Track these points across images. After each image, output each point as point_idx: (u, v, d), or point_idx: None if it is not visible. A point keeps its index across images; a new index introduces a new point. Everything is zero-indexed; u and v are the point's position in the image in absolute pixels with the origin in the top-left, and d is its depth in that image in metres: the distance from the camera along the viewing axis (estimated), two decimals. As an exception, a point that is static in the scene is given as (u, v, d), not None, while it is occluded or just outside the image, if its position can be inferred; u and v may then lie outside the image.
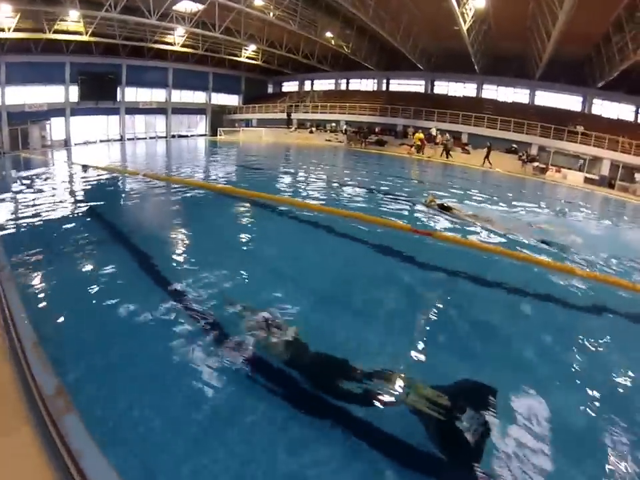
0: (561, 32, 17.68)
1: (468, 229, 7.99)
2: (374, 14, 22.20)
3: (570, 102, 27.37)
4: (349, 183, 13.36)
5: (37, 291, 4.43)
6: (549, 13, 17.46)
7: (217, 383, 3.09)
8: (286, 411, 2.86)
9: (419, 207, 9.53)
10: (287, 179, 14.07)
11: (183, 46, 28.76)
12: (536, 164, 23.03)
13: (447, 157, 23.37)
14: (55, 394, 2.35)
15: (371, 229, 7.39)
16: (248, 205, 9.39)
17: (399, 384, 2.99)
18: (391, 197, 10.92)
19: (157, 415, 2.80)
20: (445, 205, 9.09)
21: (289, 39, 28.84)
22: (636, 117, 25.23)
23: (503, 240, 7.44)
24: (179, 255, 6.04)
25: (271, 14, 22.77)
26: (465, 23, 18.99)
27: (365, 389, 2.92)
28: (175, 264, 5.48)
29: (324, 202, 9.81)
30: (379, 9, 22.03)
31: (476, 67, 27.21)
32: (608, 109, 26.16)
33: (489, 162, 22.05)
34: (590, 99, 26.75)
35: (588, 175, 22.19)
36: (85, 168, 14.64)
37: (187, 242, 6.72)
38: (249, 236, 7.10)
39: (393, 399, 2.89)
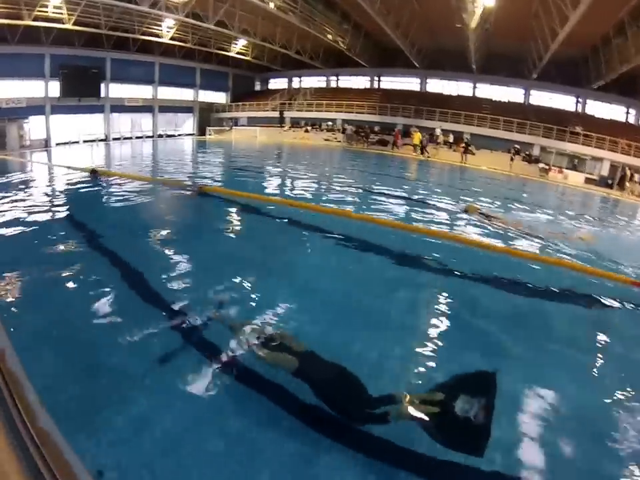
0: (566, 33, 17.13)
1: (513, 237, 7.66)
2: (379, 7, 20.69)
3: (564, 102, 27.11)
4: (377, 189, 12.08)
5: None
6: (556, 13, 16.75)
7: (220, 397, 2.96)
8: (287, 421, 2.78)
9: (458, 213, 9.03)
10: (311, 186, 12.64)
11: (171, 38, 26.06)
12: (541, 165, 22.67)
13: (465, 158, 22.58)
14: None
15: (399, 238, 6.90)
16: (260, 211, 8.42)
17: (397, 401, 2.76)
18: (425, 204, 10.29)
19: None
20: (487, 212, 8.78)
21: (282, 34, 26.99)
22: (627, 118, 25.37)
23: (550, 249, 7.14)
24: (177, 267, 5.28)
25: (272, 4, 20.75)
26: (472, 21, 17.92)
27: (369, 408, 2.79)
28: (171, 278, 4.84)
29: (363, 211, 8.91)
30: (381, 3, 20.58)
31: (473, 66, 26.52)
32: (600, 109, 26.10)
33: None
34: (584, 99, 26.61)
35: (588, 176, 22.00)
36: (95, 174, 12.31)
37: (183, 252, 5.85)
38: (249, 243, 6.57)
39: (392, 414, 2.68)
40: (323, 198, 10.41)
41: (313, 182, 13.20)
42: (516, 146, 23.42)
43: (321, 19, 24.21)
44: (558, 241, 7.57)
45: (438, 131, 24.97)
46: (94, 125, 26.53)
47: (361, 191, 11.63)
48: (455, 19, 19.40)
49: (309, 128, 29.85)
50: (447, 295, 4.86)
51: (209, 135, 31.31)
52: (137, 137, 29.48)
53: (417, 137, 23.47)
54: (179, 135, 32.37)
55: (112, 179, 11.88)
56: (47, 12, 20.14)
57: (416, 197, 11.21)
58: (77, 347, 3.44)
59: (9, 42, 20.46)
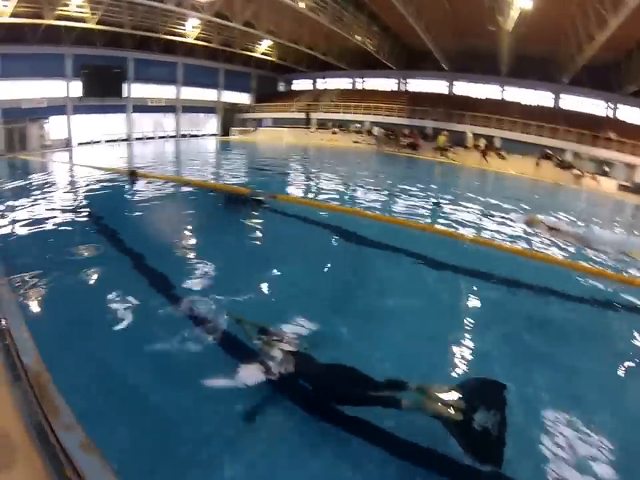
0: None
1: (577, 250, 7.21)
2: (412, 9, 19.26)
3: (594, 107, 25.33)
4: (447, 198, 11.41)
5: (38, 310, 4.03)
6: (594, 17, 15.63)
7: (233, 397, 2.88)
8: (299, 417, 2.79)
9: (519, 225, 8.48)
10: (356, 192, 11.76)
11: (195, 38, 25.19)
12: (575, 171, 20.89)
13: (486, 161, 21.52)
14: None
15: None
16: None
17: (410, 390, 2.75)
18: (484, 213, 9.81)
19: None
20: (551, 224, 8.34)
21: (309, 35, 25.96)
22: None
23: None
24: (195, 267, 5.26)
25: (302, 4, 19.51)
26: (507, 24, 16.70)
27: (379, 397, 2.79)
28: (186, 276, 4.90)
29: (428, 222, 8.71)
30: (413, 4, 19.20)
31: (502, 68, 25.22)
32: (632, 114, 23.92)
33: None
34: (614, 104, 24.73)
35: (622, 183, 20.05)
36: (134, 176, 11.40)
37: (203, 254, 5.82)
38: (270, 245, 6.44)
39: (406, 404, 2.67)
40: (383, 206, 9.99)
41: (368, 188, 12.42)
42: (548, 151, 22.00)
43: (350, 20, 23.10)
44: (625, 257, 7.09)
45: (469, 135, 23.65)
46: (116, 125, 25.95)
47: (416, 197, 11.09)
48: (486, 21, 18.59)
49: (337, 130, 28.65)
50: (515, 309, 4.73)
51: (233, 135, 30.37)
52: (160, 137, 28.84)
53: (442, 140, 22.69)
54: (202, 136, 31.58)
55: (151, 181, 11.37)
56: (69, 11, 19.51)
57: (466, 204, 10.55)
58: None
59: (30, 42, 19.90)
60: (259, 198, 8.54)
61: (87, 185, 11.48)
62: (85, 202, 9.14)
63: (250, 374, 2.93)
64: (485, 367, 3.57)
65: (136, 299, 4.28)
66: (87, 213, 8.04)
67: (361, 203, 10.16)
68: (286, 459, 2.56)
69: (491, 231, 8.30)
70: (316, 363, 3.06)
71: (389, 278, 5.48)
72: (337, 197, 10.86)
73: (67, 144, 23.07)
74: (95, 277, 4.92)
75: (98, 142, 24.85)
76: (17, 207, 8.23)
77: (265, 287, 4.90)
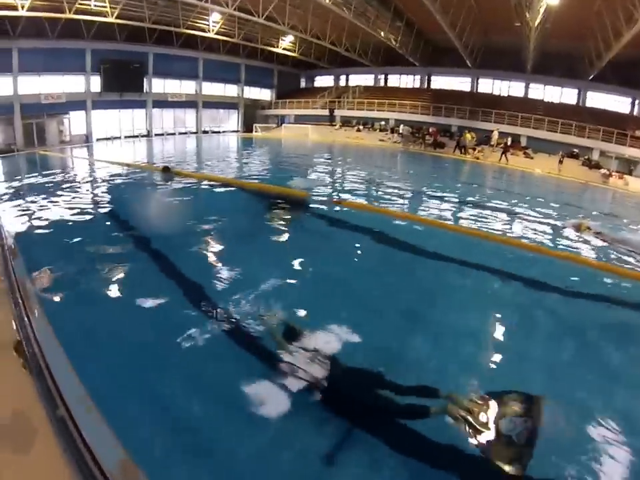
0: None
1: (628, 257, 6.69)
2: (438, 4, 17.98)
3: (618, 104, 24.22)
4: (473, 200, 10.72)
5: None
6: (622, 13, 14.84)
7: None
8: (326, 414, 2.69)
9: (567, 231, 8.00)
10: (401, 195, 10.89)
11: (217, 33, 24.45)
12: (603, 170, 19.73)
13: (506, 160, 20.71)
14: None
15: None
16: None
17: (439, 396, 2.75)
18: (525, 217, 9.26)
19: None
20: (601, 231, 7.96)
21: (332, 31, 24.92)
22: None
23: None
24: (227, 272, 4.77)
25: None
26: (533, 20, 15.81)
27: (406, 402, 2.77)
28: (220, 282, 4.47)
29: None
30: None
31: (526, 65, 24.16)
32: None
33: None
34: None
35: None
36: (167, 172, 10.77)
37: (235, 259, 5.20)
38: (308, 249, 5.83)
39: (434, 409, 2.65)
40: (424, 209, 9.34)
41: (403, 189, 11.67)
42: (574, 150, 21.18)
43: (373, 15, 22.19)
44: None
45: (495, 134, 22.65)
46: (136, 120, 25.61)
47: (447, 200, 10.51)
48: (512, 17, 18.16)
49: (361, 127, 27.71)
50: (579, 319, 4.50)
51: (256, 132, 29.69)
52: (180, 133, 28.39)
53: (468, 138, 22.08)
54: (223, 132, 30.98)
55: (183, 178, 10.87)
56: (89, 5, 19.06)
57: (505, 206, 10.16)
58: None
59: (49, 36, 19.59)
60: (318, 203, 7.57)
61: (116, 183, 10.90)
62: (110, 201, 8.46)
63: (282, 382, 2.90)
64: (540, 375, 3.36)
65: (162, 299, 4.07)
66: (115, 213, 7.48)
67: (431, 212, 9.18)
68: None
69: (534, 234, 7.82)
70: (345, 367, 3.05)
71: (444, 285, 5.13)
72: (399, 201, 10.05)
73: (86, 139, 22.86)
74: (120, 277, 4.61)
75: (118, 138, 24.60)
76: (38, 204, 7.74)
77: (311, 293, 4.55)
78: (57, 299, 3.91)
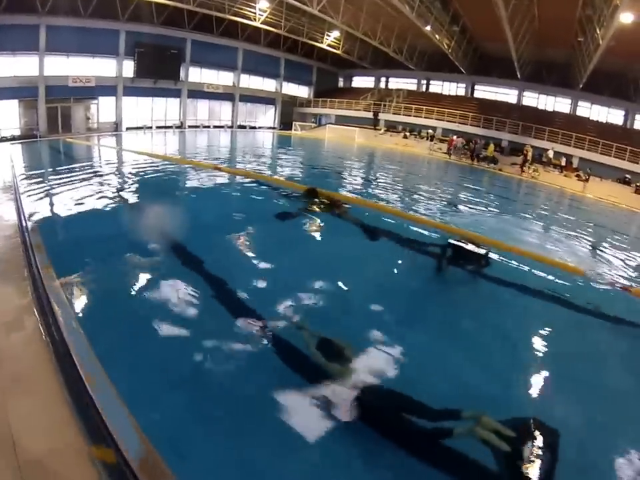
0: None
1: None
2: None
3: None
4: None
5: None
6: None
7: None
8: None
9: None
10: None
11: (262, 22, 21.61)
12: None
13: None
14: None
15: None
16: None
17: (465, 416, 2.50)
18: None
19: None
20: None
21: (381, 30, 22.17)
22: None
23: None
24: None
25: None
26: (604, 37, 13.75)
27: (431, 421, 2.53)
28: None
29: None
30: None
31: (579, 82, 21.53)
32: None
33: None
34: None
35: None
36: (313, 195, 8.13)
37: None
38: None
39: (459, 430, 2.42)
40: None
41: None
42: (627, 176, 18.42)
43: (432, 17, 19.38)
44: None
45: (551, 153, 19.98)
46: (169, 110, 23.11)
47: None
48: (573, 31, 16.94)
49: (408, 134, 24.86)
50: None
51: (296, 130, 26.94)
52: (215, 126, 25.80)
53: (529, 154, 19.28)
54: (259, 128, 28.26)
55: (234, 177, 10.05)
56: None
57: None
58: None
59: (81, 14, 17.06)
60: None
61: (148, 177, 9.78)
62: (141, 196, 7.59)
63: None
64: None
65: (192, 297, 3.73)
66: (144, 212, 6.55)
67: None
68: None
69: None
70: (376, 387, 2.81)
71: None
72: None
73: (115, 128, 20.49)
74: (149, 275, 4.21)
75: (149, 128, 22.19)
76: (62, 196, 6.96)
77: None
78: (80, 294, 3.63)
